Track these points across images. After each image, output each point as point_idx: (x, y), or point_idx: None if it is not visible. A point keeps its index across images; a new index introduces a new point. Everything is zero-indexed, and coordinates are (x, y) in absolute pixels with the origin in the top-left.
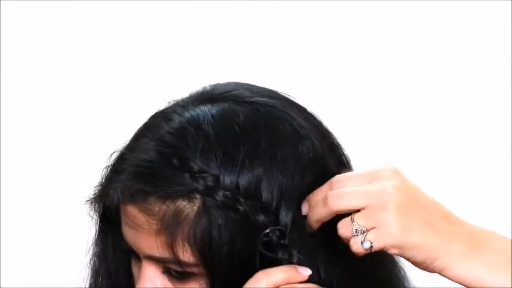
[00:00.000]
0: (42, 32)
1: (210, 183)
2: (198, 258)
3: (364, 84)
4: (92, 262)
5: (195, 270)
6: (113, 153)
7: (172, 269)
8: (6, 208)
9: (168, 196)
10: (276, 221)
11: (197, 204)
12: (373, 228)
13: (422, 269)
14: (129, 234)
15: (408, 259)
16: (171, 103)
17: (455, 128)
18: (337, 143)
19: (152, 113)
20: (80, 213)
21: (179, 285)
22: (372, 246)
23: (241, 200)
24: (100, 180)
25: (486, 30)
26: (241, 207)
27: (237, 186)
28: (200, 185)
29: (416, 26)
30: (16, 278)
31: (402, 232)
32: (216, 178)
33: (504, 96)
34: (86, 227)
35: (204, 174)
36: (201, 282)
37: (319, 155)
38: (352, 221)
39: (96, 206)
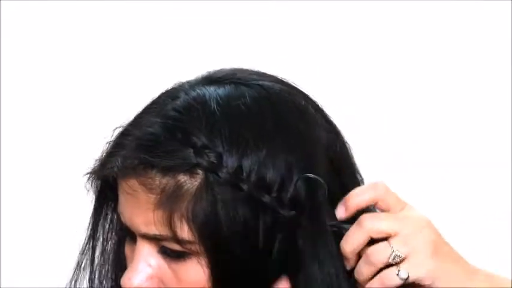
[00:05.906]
0: (42, 32)
1: (213, 159)
2: (197, 236)
3: (364, 84)
4: (87, 232)
5: (192, 248)
6: (116, 128)
7: (169, 249)
8: (7, 208)
9: (169, 169)
10: (281, 200)
11: (199, 180)
12: (408, 255)
13: None
14: (126, 210)
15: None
16: (177, 84)
17: (455, 128)
18: (340, 132)
19: (158, 93)
20: (79, 213)
21: (175, 265)
22: (408, 277)
23: (245, 179)
24: (101, 154)
25: (486, 30)
26: (245, 186)
27: (240, 166)
28: (204, 161)
29: (417, 26)
30: (16, 278)
31: (437, 258)
32: (219, 155)
33: (504, 96)
34: (85, 226)
35: (208, 151)
36: (199, 261)
37: (325, 138)
38: (391, 245)
39: (95, 181)
